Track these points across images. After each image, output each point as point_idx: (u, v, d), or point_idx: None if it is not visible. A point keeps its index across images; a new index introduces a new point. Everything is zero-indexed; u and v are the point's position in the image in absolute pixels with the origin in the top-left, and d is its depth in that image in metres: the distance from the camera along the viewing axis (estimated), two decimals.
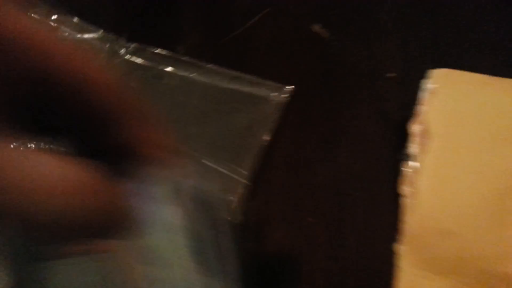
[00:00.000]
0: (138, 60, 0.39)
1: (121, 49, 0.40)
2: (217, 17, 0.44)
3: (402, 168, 0.34)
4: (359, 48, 0.41)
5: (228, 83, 0.38)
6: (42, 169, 0.15)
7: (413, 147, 0.34)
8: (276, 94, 0.37)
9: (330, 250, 0.33)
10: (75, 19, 0.40)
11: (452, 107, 0.34)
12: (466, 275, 0.30)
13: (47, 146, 0.18)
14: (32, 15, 0.16)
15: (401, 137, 0.35)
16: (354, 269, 0.32)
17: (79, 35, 0.40)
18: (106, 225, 0.15)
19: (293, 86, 0.38)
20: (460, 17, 0.41)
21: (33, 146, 0.17)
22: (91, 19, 0.41)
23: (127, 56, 0.39)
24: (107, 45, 0.40)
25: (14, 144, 0.15)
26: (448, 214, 0.32)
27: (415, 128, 0.35)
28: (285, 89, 0.37)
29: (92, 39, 0.40)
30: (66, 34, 0.39)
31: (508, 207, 0.31)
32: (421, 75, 0.36)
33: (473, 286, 0.30)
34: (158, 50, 0.40)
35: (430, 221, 0.32)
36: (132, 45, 0.40)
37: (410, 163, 0.34)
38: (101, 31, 0.40)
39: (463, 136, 0.34)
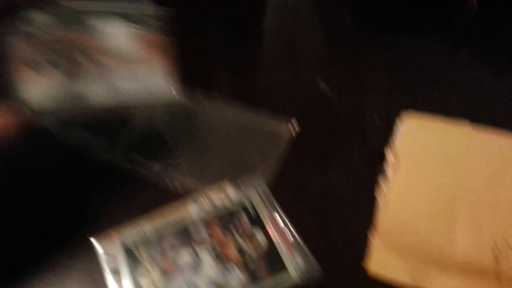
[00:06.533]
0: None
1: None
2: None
3: (379, 181, 0.49)
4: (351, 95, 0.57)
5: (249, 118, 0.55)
6: None
7: (387, 168, 0.49)
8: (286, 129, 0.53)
9: (320, 233, 0.46)
10: None
11: (413, 143, 0.50)
12: (420, 257, 0.43)
13: None
14: None
15: (380, 160, 0.50)
16: (340, 246, 0.45)
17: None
18: None
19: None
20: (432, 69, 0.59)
21: None
22: None
23: None
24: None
25: None
26: (408, 213, 0.46)
27: (389, 155, 0.50)
28: (294, 125, 0.53)
29: None
30: None
31: (452, 209, 0.46)
32: (398, 114, 0.52)
33: (426, 265, 0.43)
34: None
35: (395, 217, 0.46)
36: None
37: (384, 178, 0.48)
38: None
39: (421, 163, 0.49)
